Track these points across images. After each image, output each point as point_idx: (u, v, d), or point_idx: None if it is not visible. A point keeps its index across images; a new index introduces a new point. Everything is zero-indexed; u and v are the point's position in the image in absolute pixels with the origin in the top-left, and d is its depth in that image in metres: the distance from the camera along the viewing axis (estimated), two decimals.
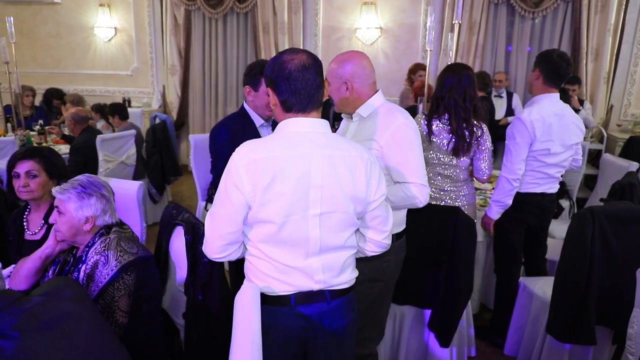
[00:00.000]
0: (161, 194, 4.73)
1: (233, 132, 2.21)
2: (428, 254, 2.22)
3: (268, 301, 1.43)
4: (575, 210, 3.87)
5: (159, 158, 4.65)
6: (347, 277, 1.51)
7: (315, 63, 1.39)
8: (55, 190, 1.73)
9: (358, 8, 5.85)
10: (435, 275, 2.23)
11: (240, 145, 1.37)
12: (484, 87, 4.53)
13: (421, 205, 1.81)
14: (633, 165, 3.26)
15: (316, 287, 1.45)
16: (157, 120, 5.27)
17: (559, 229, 3.32)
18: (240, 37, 6.30)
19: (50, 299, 1.19)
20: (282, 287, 1.43)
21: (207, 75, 6.48)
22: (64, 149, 4.27)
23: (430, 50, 3.77)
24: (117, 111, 4.49)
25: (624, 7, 5.14)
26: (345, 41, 6.00)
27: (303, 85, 1.36)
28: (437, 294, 2.24)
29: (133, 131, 4.38)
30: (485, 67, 5.58)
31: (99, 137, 3.98)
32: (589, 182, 5.14)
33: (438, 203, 2.54)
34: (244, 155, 1.34)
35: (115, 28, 6.71)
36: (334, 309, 1.49)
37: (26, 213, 2.19)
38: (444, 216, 2.22)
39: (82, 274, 1.66)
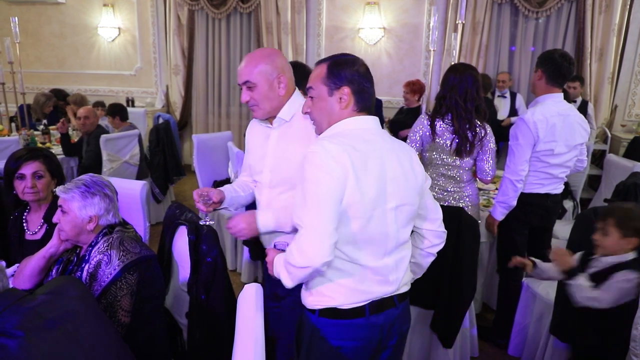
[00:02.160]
0: (164, 194, 4.74)
1: None
2: None
3: (341, 315, 1.40)
4: (579, 211, 3.85)
5: (162, 158, 4.66)
6: (407, 278, 1.53)
7: None
8: (59, 189, 1.74)
9: (361, 8, 5.85)
10: (438, 276, 2.23)
11: (318, 143, 1.33)
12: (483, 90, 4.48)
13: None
14: (637, 166, 3.25)
15: (390, 289, 1.44)
16: (161, 120, 5.29)
17: (562, 229, 3.31)
18: (243, 37, 6.30)
19: (55, 298, 1.19)
20: (357, 297, 1.40)
21: (211, 75, 6.49)
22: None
23: (433, 51, 3.76)
24: (118, 112, 4.49)
25: (628, 6, 5.11)
26: (348, 41, 6.00)
27: (372, 87, 1.44)
28: (440, 294, 2.23)
29: (137, 131, 4.39)
30: (488, 67, 5.58)
31: (102, 137, 3.99)
32: (593, 182, 5.13)
33: (441, 204, 2.52)
34: (329, 148, 1.30)
35: (119, 28, 6.73)
36: (402, 312, 1.50)
37: (25, 213, 2.19)
38: (448, 217, 2.21)
39: (85, 273, 1.66)
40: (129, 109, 4.91)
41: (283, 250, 1.46)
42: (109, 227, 1.76)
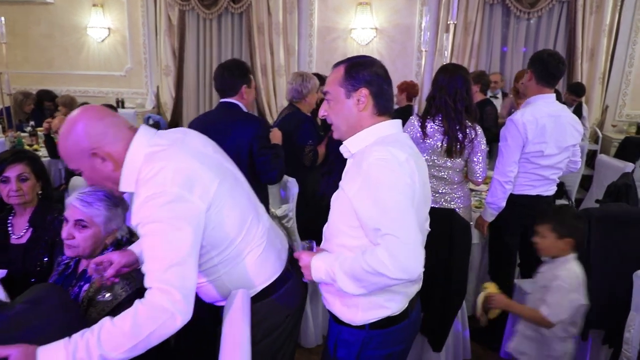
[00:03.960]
0: None
1: None
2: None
3: (392, 321, 1.39)
4: None
5: None
6: None
7: None
8: (76, 203, 1.56)
9: (353, 8, 5.83)
10: (429, 279, 2.20)
11: (383, 149, 1.27)
12: (484, 87, 4.35)
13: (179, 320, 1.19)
14: (628, 166, 3.26)
15: (418, 285, 1.48)
16: (151, 121, 5.25)
17: None
18: (234, 37, 6.26)
19: (33, 307, 1.16)
20: (405, 301, 1.42)
21: (202, 75, 6.44)
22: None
23: (425, 51, 3.76)
24: None
25: (619, 7, 5.15)
26: (340, 42, 5.98)
27: (392, 90, 1.43)
28: (431, 297, 2.21)
29: None
30: (480, 67, 5.57)
31: None
32: (584, 182, 5.13)
33: (433, 205, 2.51)
34: (397, 154, 1.26)
35: (109, 28, 6.66)
36: (419, 306, 1.56)
37: (10, 217, 2.14)
38: (439, 218, 2.19)
39: (82, 293, 1.56)
40: (119, 110, 4.85)
41: (311, 248, 1.43)
42: (117, 242, 1.65)
